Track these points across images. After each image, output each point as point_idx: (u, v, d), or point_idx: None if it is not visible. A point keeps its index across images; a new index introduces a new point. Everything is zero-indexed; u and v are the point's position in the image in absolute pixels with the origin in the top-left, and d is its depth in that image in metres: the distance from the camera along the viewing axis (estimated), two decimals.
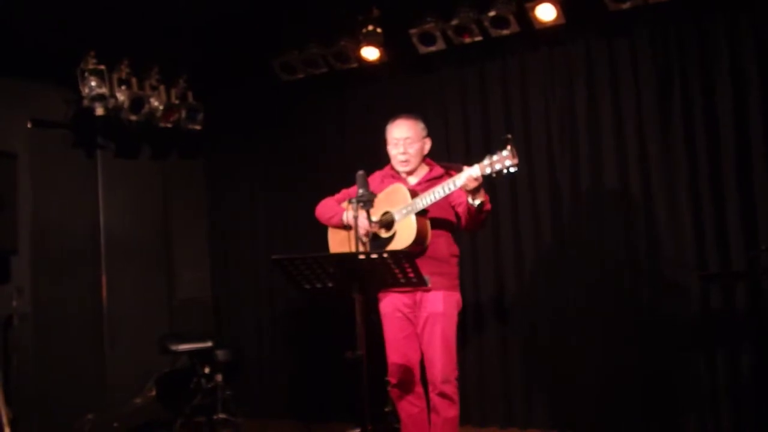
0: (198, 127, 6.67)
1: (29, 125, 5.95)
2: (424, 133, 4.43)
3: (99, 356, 6.28)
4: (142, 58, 6.28)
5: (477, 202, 3.96)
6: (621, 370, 5.36)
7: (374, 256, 3.45)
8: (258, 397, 6.74)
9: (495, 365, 5.85)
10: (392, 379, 4.31)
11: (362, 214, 3.98)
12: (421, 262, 4.09)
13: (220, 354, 6.11)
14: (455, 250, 4.40)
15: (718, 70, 5.15)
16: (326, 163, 6.52)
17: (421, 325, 4.29)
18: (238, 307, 7.01)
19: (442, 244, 4.28)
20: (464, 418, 4.39)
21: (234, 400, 6.11)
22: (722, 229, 5.11)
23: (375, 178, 4.50)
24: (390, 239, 4.21)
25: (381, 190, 4.35)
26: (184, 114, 6.57)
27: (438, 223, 4.25)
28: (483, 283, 5.84)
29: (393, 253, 3.41)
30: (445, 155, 4.86)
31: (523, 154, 5.64)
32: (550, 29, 5.57)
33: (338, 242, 4.44)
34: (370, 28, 5.98)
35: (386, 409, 4.62)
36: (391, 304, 4.34)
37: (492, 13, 5.59)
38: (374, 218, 4.23)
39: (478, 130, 5.96)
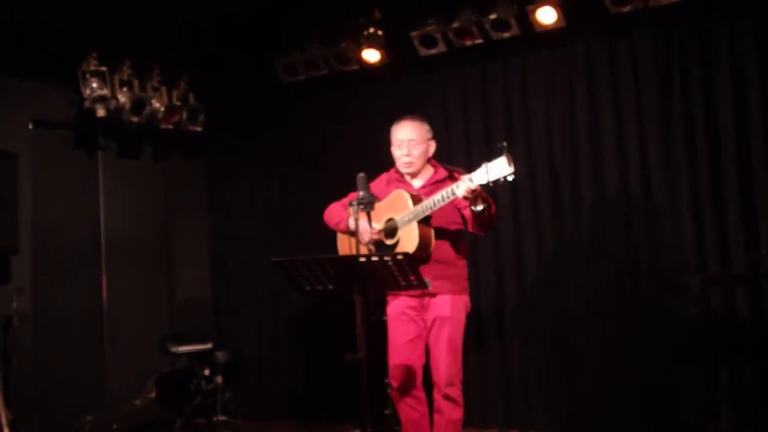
0: (199, 129, 6.67)
1: (30, 126, 5.95)
2: (429, 135, 4.41)
3: (99, 357, 6.27)
4: (143, 59, 6.28)
5: (478, 208, 3.96)
6: (621, 372, 5.36)
7: (375, 258, 3.46)
8: (258, 398, 6.74)
9: (495, 367, 5.85)
10: (393, 382, 4.31)
11: (365, 219, 3.99)
12: (427, 266, 4.14)
13: (220, 355, 6.11)
14: (463, 253, 4.38)
15: (719, 73, 5.16)
16: (327, 164, 6.53)
17: (428, 328, 4.29)
18: (239, 307, 7.00)
19: (448, 247, 4.28)
20: (465, 419, 4.37)
21: (234, 402, 6.12)
22: (723, 231, 5.12)
23: (381, 181, 4.50)
24: (394, 247, 4.21)
25: (387, 193, 4.35)
26: (185, 115, 6.57)
27: (444, 227, 4.24)
28: (483, 285, 5.84)
29: (393, 255, 3.41)
30: (446, 157, 4.86)
31: (523, 157, 5.65)
32: (550, 32, 5.58)
33: (347, 247, 4.44)
34: (372, 30, 5.98)
35: (386, 412, 4.64)
36: (398, 306, 4.34)
37: (493, 16, 5.60)
38: (378, 226, 4.24)
39: (479, 132, 5.96)
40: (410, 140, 4.33)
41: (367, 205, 3.82)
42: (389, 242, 4.25)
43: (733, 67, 5.12)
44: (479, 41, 5.79)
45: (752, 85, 5.05)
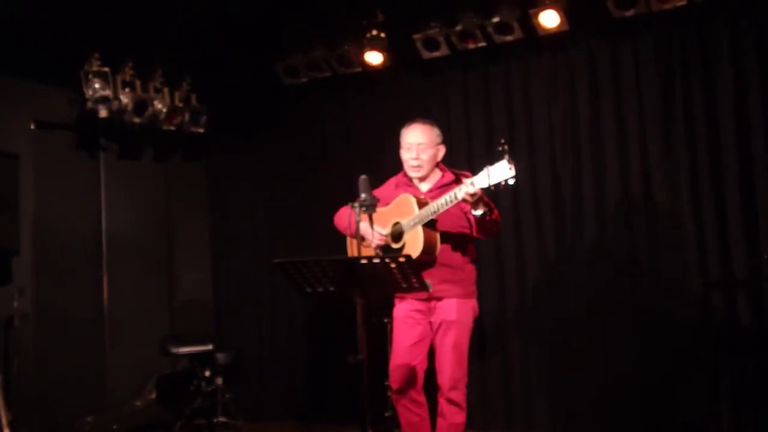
0: (201, 130, 6.67)
1: (32, 126, 5.96)
2: (438, 139, 4.39)
3: (99, 357, 6.28)
4: (146, 60, 6.29)
5: (478, 212, 3.95)
6: (622, 374, 5.36)
7: (376, 260, 3.45)
8: (258, 400, 6.73)
9: (496, 368, 5.85)
10: (392, 384, 4.30)
11: (367, 222, 3.99)
12: (434, 270, 4.14)
13: (221, 357, 6.12)
14: (471, 257, 4.37)
15: (720, 76, 5.17)
16: (329, 166, 6.53)
17: (435, 331, 4.28)
18: (239, 309, 7.00)
19: (456, 251, 4.26)
20: (466, 423, 4.37)
21: (234, 403, 6.12)
22: (724, 234, 5.12)
23: (390, 184, 4.50)
24: (400, 250, 4.20)
25: (396, 196, 4.35)
26: (187, 117, 6.57)
27: (451, 231, 4.23)
28: (484, 287, 5.80)
29: (394, 257, 3.41)
30: (448, 160, 4.84)
31: (525, 159, 5.65)
32: (553, 35, 5.58)
33: (354, 249, 4.42)
34: (374, 32, 5.99)
35: (386, 414, 4.63)
36: (405, 309, 4.33)
37: (496, 19, 5.61)
38: (386, 230, 4.24)
39: (481, 135, 5.97)
40: (419, 144, 4.32)
41: (369, 207, 3.82)
42: (395, 246, 4.25)
43: (734, 71, 5.13)
44: (482, 44, 5.79)
45: (753, 89, 5.06)
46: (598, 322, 5.47)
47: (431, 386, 4.39)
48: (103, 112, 6.01)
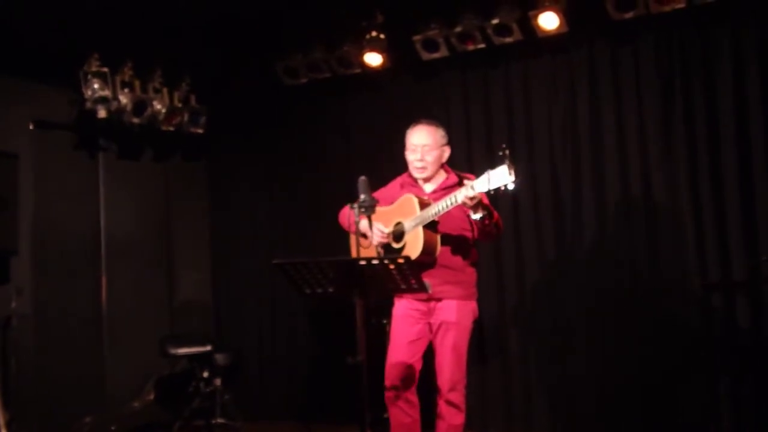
0: (200, 131, 6.67)
1: (31, 126, 5.95)
2: (443, 140, 4.39)
3: (98, 358, 6.27)
4: (145, 60, 6.29)
5: (477, 216, 3.95)
6: (622, 375, 5.37)
7: (375, 262, 3.46)
8: (257, 400, 6.73)
9: (496, 370, 5.85)
10: (386, 381, 4.28)
11: (375, 225, 3.99)
12: (434, 271, 4.15)
13: (220, 358, 6.12)
14: (472, 259, 4.37)
15: (720, 78, 5.18)
16: (328, 167, 6.54)
17: (434, 332, 4.29)
18: (239, 309, 7.00)
19: (457, 253, 4.26)
20: (465, 424, 4.37)
21: (233, 404, 6.12)
22: (723, 236, 5.13)
23: (395, 184, 4.51)
24: (400, 251, 4.20)
25: (400, 196, 4.35)
26: (186, 117, 6.57)
27: (452, 233, 4.24)
28: (484, 288, 5.79)
29: (393, 258, 3.41)
30: (448, 162, 4.84)
31: (525, 161, 5.65)
32: (553, 37, 5.58)
33: (355, 249, 4.43)
34: (374, 33, 5.99)
35: (385, 415, 4.61)
36: (404, 307, 4.33)
37: (495, 21, 5.61)
38: (388, 229, 4.24)
39: (481, 136, 5.97)
40: (424, 145, 4.32)
41: (368, 208, 3.82)
42: (396, 246, 4.25)
43: (734, 73, 5.13)
44: (481, 46, 5.79)
45: (753, 90, 5.07)
46: (598, 323, 5.47)
47: (425, 388, 4.40)
48: (102, 113, 6.01)
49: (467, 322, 4.30)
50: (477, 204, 3.88)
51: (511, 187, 3.68)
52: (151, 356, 6.23)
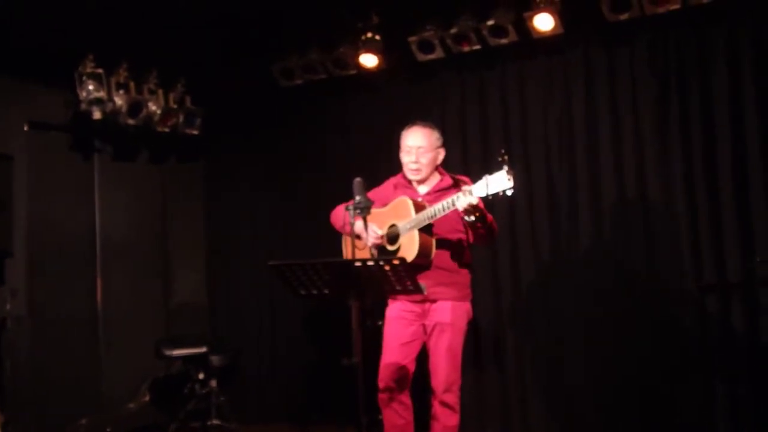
0: (196, 132, 6.67)
1: (26, 127, 5.95)
2: (438, 143, 4.38)
3: (94, 360, 6.26)
4: (140, 61, 6.28)
5: (470, 219, 3.95)
6: (618, 377, 5.36)
7: (371, 263, 3.46)
8: (253, 402, 6.72)
9: (492, 372, 5.85)
10: (380, 383, 4.28)
11: (370, 226, 3.99)
12: (429, 273, 4.14)
13: (215, 359, 6.12)
14: (466, 260, 4.36)
15: (716, 79, 5.18)
16: (325, 168, 6.53)
17: (429, 333, 4.29)
18: (235, 311, 7.00)
19: (451, 255, 4.26)
20: (461, 425, 4.37)
21: (229, 406, 6.11)
22: (719, 238, 5.13)
23: (388, 185, 4.50)
24: (395, 253, 4.20)
25: (394, 197, 4.35)
26: (182, 119, 6.57)
27: (447, 236, 4.24)
28: (480, 290, 5.82)
29: (389, 260, 3.41)
30: (443, 163, 4.86)
31: (520, 163, 5.66)
32: (548, 39, 5.59)
33: (349, 250, 4.42)
34: (369, 35, 5.99)
35: (380, 417, 4.62)
36: (398, 309, 4.33)
37: (491, 22, 5.61)
38: (382, 231, 4.24)
39: (476, 137, 5.97)
40: (419, 147, 4.31)
41: (363, 210, 3.82)
42: (391, 248, 4.25)
43: (729, 74, 5.14)
44: (477, 47, 5.80)
45: (749, 93, 5.07)
46: (594, 325, 5.47)
47: (418, 391, 4.40)
48: (97, 114, 6.01)
49: (462, 323, 4.30)
50: (475, 208, 3.88)
51: (509, 193, 3.68)
52: (146, 357, 6.22)
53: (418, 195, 4.35)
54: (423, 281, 3.67)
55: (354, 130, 6.50)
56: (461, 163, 5.85)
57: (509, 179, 3.64)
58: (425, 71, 6.15)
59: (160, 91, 6.45)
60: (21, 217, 5.78)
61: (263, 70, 6.58)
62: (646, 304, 5.32)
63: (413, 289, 3.57)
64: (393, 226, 4.25)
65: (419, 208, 4.16)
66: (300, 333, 6.69)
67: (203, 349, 6.08)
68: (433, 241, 4.17)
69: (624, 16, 5.31)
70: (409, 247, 4.14)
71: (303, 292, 3.64)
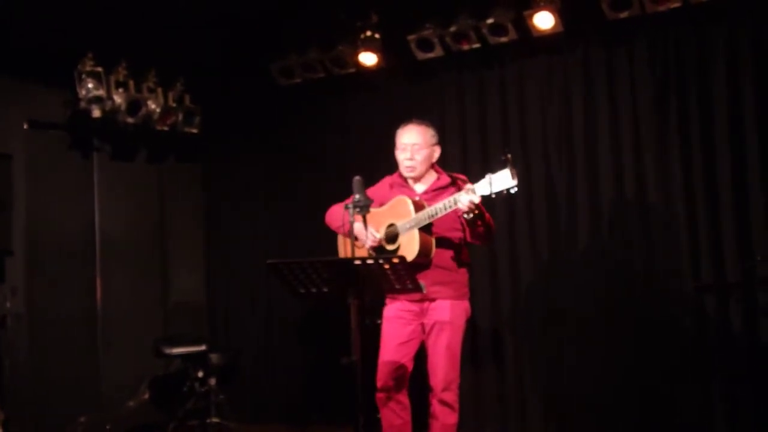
0: (195, 131, 6.67)
1: (25, 126, 5.94)
2: (433, 140, 4.38)
3: (93, 358, 6.26)
4: (139, 60, 6.27)
5: (468, 216, 3.95)
6: (616, 377, 5.36)
7: (370, 261, 3.45)
8: (252, 401, 6.73)
9: (490, 372, 5.85)
10: (378, 382, 4.28)
11: (369, 229, 3.99)
12: (428, 272, 4.14)
13: (214, 358, 6.12)
14: (464, 259, 4.36)
15: (715, 78, 5.18)
16: (324, 167, 6.52)
17: (428, 332, 4.29)
18: (234, 310, 7.00)
19: (450, 254, 4.26)
20: (460, 424, 4.37)
21: (228, 404, 6.11)
22: (717, 238, 5.13)
23: (384, 184, 4.50)
24: (394, 252, 4.19)
25: (390, 196, 4.34)
26: (181, 117, 6.57)
27: (445, 234, 4.23)
28: (479, 289, 5.82)
29: (388, 259, 3.41)
30: (442, 161, 4.86)
31: (520, 162, 5.65)
32: (548, 37, 5.58)
33: (348, 250, 4.42)
34: (368, 33, 5.99)
35: (379, 416, 4.62)
36: (396, 309, 4.33)
37: (490, 21, 5.61)
38: (379, 233, 4.24)
39: (475, 136, 5.97)
40: (414, 144, 4.31)
41: (363, 208, 3.81)
42: (390, 248, 4.24)
43: (729, 72, 5.14)
44: (476, 46, 5.80)
45: (748, 92, 5.07)
46: (592, 325, 5.47)
47: (417, 389, 4.40)
48: (96, 112, 6.00)
49: (460, 322, 4.30)
50: (476, 206, 3.88)
51: (513, 191, 3.68)
52: (145, 356, 6.22)
53: (415, 194, 4.34)
54: (422, 280, 3.67)
55: (353, 129, 6.49)
56: (460, 161, 5.85)
57: (513, 177, 3.64)
58: (424, 70, 6.15)
59: (160, 90, 6.45)
60: (20, 215, 5.77)
61: (262, 69, 6.57)
62: (644, 303, 5.32)
63: (413, 288, 3.57)
64: (391, 225, 4.24)
65: (418, 207, 4.15)
66: (298, 332, 6.69)
67: (202, 348, 6.08)
68: (433, 240, 4.17)
69: (624, 14, 5.31)
70: (409, 247, 4.14)
71: (302, 291, 3.63)
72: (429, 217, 4.07)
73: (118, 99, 6.13)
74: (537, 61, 5.79)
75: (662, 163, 5.33)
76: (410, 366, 4.32)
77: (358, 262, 3.46)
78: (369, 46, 6.01)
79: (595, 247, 5.52)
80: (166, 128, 6.52)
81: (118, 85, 6.17)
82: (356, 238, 4.17)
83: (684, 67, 5.29)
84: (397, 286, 3.58)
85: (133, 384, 6.35)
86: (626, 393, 5.32)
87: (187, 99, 6.64)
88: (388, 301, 4.39)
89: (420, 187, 4.39)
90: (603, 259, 5.49)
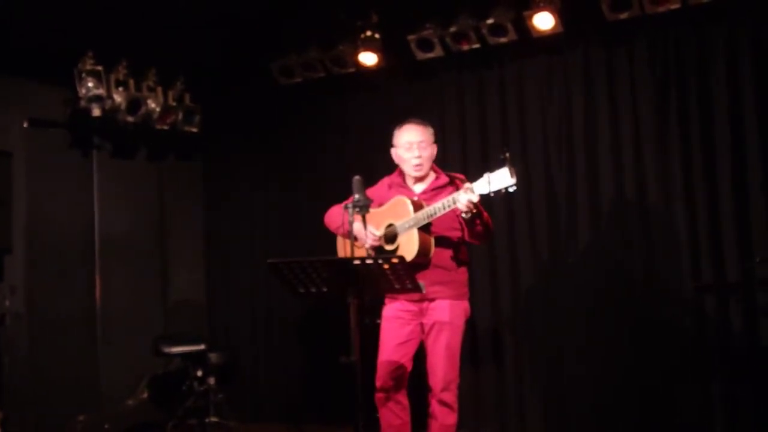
0: (195, 130, 6.68)
1: (25, 124, 5.94)
2: (433, 138, 4.41)
3: (92, 357, 6.26)
4: (139, 59, 6.27)
5: (467, 216, 3.95)
6: (616, 376, 5.37)
7: (369, 261, 3.45)
8: (251, 400, 6.73)
9: (490, 373, 5.85)
10: (377, 382, 4.28)
11: (361, 223, 3.99)
12: (428, 272, 4.14)
13: (213, 357, 6.12)
14: (464, 258, 4.37)
15: (715, 79, 5.18)
16: (323, 166, 6.53)
17: (427, 332, 4.29)
18: (233, 309, 7.00)
19: (449, 253, 4.27)
20: (459, 424, 4.37)
21: (227, 403, 6.12)
22: (717, 238, 5.13)
23: (383, 185, 4.50)
24: (393, 253, 4.19)
25: (389, 197, 4.35)
26: (181, 116, 6.57)
27: (444, 234, 4.24)
28: (478, 290, 5.82)
29: (388, 259, 3.41)
30: (442, 161, 4.87)
31: (519, 162, 5.64)
32: (548, 38, 5.58)
33: (346, 250, 4.42)
34: (369, 33, 5.98)
35: (377, 416, 4.62)
36: (395, 309, 4.33)
37: (490, 21, 5.61)
38: (379, 231, 4.24)
39: (475, 136, 5.97)
40: (420, 141, 4.32)
41: (363, 208, 3.82)
42: (389, 248, 4.24)
43: (729, 73, 5.14)
44: (476, 46, 5.80)
45: (748, 92, 5.07)
46: (592, 324, 5.47)
47: (415, 391, 4.40)
48: (96, 111, 6.00)
49: (460, 322, 4.30)
50: (473, 205, 3.89)
51: (512, 189, 3.68)
52: (145, 355, 6.22)
53: (414, 194, 4.35)
54: (421, 280, 3.67)
55: (353, 129, 6.49)
56: (460, 161, 5.85)
57: (512, 176, 3.65)
58: (424, 70, 6.15)
59: (159, 89, 6.45)
60: (20, 213, 5.77)
61: (262, 68, 6.57)
62: (644, 304, 5.32)
63: (412, 288, 3.58)
64: (390, 225, 4.25)
65: (418, 207, 4.15)
66: (298, 331, 6.69)
67: (202, 347, 6.08)
68: (432, 240, 4.17)
69: (624, 15, 5.32)
70: (408, 246, 4.14)
71: (301, 291, 3.64)
72: (428, 217, 4.07)
73: (118, 98, 6.13)
74: (537, 61, 5.79)
75: (662, 163, 5.34)
76: (409, 366, 4.32)
77: (357, 261, 3.47)
78: (369, 45, 6.01)
79: (595, 247, 5.53)
80: (166, 127, 6.53)
81: (118, 83, 6.17)
82: (356, 238, 4.17)
83: (684, 67, 5.29)
84: (397, 286, 3.58)
85: (132, 383, 6.35)
86: (626, 393, 5.33)
87: (187, 98, 6.64)
88: (387, 300, 4.39)
89: (419, 187, 4.40)
90: (603, 259, 5.50)
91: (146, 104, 6.31)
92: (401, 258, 3.43)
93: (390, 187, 4.46)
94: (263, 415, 6.66)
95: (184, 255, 7.05)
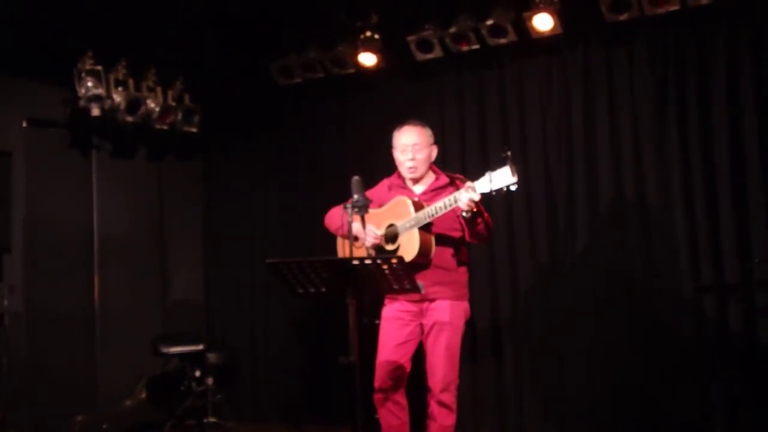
0: (194, 130, 6.68)
1: (25, 124, 5.94)
2: (431, 140, 4.40)
3: (90, 357, 6.26)
4: (139, 59, 6.27)
5: (468, 215, 3.95)
6: (615, 377, 5.37)
7: (368, 262, 3.45)
8: (249, 400, 6.73)
9: (489, 374, 5.84)
10: (376, 383, 4.28)
11: (368, 227, 3.99)
12: (428, 272, 4.14)
13: (212, 357, 6.12)
14: (464, 259, 4.37)
15: (714, 80, 5.18)
16: (322, 167, 6.53)
17: (427, 333, 4.29)
18: (232, 310, 6.99)
19: (449, 253, 4.26)
20: (458, 425, 4.37)
21: (225, 403, 6.11)
22: (716, 239, 5.13)
23: (383, 186, 4.50)
24: (394, 252, 4.19)
25: (389, 198, 4.34)
26: (180, 116, 6.57)
27: (445, 233, 4.24)
28: (478, 291, 5.81)
29: (387, 259, 3.41)
30: (441, 162, 4.87)
31: (519, 162, 5.61)
32: (547, 39, 5.58)
33: (346, 250, 4.42)
34: (368, 33, 5.98)
35: (377, 416, 4.62)
36: (395, 309, 4.33)
37: (490, 22, 5.61)
38: (380, 231, 4.24)
39: (474, 137, 5.97)
40: (414, 144, 4.32)
41: (362, 208, 3.82)
42: (390, 248, 4.24)
43: (728, 74, 5.14)
44: (476, 47, 5.79)
45: (747, 94, 5.07)
46: (591, 325, 5.47)
47: (414, 391, 4.39)
48: (95, 111, 6.00)
49: (460, 323, 4.30)
50: (474, 204, 3.89)
51: (513, 188, 3.69)
52: (143, 355, 6.21)
53: (414, 195, 4.35)
54: (421, 280, 3.67)
55: (353, 129, 6.49)
56: (460, 162, 5.85)
57: (514, 175, 3.65)
58: (424, 70, 6.15)
59: (159, 89, 6.44)
60: (19, 213, 5.77)
61: (262, 69, 6.57)
62: (644, 304, 5.32)
63: (410, 289, 3.57)
64: (391, 225, 4.25)
65: (418, 207, 4.15)
66: (297, 332, 6.69)
67: (200, 347, 6.08)
68: (433, 240, 4.17)
69: (623, 17, 5.32)
70: (408, 246, 4.14)
71: (300, 291, 3.64)
72: (429, 216, 4.07)
73: (118, 97, 6.13)
74: (536, 62, 5.79)
75: (661, 163, 5.34)
76: (408, 366, 4.32)
77: (356, 262, 3.46)
78: (369, 46, 6.00)
79: (594, 247, 5.52)
80: (165, 127, 6.53)
81: (118, 83, 6.17)
82: (356, 239, 4.17)
83: (684, 67, 5.29)
84: (395, 287, 3.58)
85: (130, 383, 6.35)
86: (626, 393, 5.32)
87: (186, 98, 6.64)
88: (387, 301, 4.39)
89: (419, 188, 4.39)
90: (602, 260, 5.49)
91: (146, 104, 6.31)
92: (400, 258, 3.43)
93: (390, 188, 4.45)
94: (262, 416, 6.66)
95: (183, 255, 7.05)
